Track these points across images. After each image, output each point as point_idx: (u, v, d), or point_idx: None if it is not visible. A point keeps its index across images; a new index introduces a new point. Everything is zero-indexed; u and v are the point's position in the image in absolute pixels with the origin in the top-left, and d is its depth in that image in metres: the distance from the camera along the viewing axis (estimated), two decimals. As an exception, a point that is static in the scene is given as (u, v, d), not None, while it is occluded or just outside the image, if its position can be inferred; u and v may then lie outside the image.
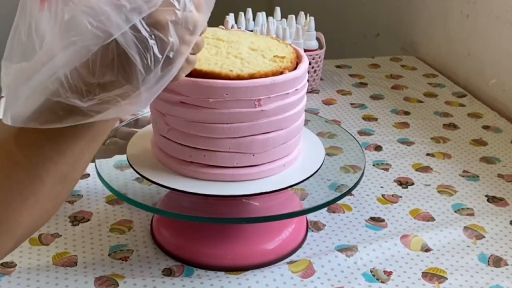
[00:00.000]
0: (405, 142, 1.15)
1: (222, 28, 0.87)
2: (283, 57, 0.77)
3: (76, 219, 0.90)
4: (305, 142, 0.85)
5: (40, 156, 0.55)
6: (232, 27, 1.34)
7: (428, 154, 1.11)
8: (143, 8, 0.52)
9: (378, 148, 1.13)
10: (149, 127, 0.86)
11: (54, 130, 0.54)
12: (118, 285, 0.77)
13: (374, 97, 1.35)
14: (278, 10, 1.40)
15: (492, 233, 0.90)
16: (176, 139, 0.77)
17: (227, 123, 0.73)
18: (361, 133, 1.18)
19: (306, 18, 1.37)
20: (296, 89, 0.76)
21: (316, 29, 1.35)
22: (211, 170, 0.76)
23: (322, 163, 0.82)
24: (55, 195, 0.57)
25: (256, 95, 0.73)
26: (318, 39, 1.36)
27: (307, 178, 0.79)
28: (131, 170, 0.79)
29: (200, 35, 0.59)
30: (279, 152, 0.78)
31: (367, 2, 1.92)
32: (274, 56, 0.77)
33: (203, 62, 0.74)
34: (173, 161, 0.78)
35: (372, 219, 0.92)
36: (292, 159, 0.80)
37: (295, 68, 0.77)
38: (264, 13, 1.38)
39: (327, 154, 0.87)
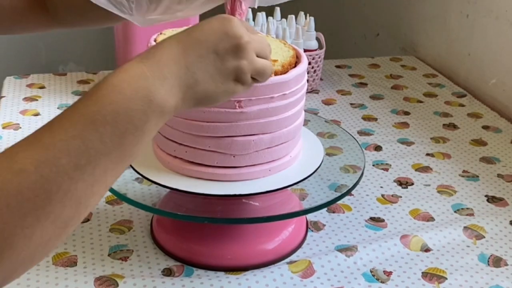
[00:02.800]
0: (405, 142, 1.15)
1: None
2: (275, 61, 0.75)
3: (76, 219, 0.90)
4: (305, 142, 0.85)
5: (52, 168, 0.48)
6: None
7: (428, 154, 1.11)
8: None
9: (378, 148, 1.13)
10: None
11: (76, 141, 0.49)
12: (118, 285, 0.77)
13: (374, 97, 1.35)
14: (278, 10, 1.40)
15: (492, 233, 0.90)
16: (163, 133, 0.78)
17: (207, 122, 0.74)
18: (361, 133, 1.18)
19: (306, 18, 1.37)
20: (284, 94, 0.75)
21: (316, 29, 1.35)
22: (192, 167, 0.77)
23: (321, 163, 0.82)
24: (64, 221, 0.49)
25: (235, 96, 0.72)
26: (318, 39, 1.36)
27: (306, 178, 0.79)
28: (131, 170, 0.80)
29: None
30: (263, 156, 0.77)
31: (367, 2, 1.92)
32: None
33: None
34: (162, 154, 0.79)
35: (372, 219, 0.92)
36: (280, 165, 0.79)
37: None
38: (264, 13, 1.38)
39: (327, 154, 0.87)
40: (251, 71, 0.61)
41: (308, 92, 1.31)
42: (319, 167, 0.81)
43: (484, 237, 0.89)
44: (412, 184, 1.01)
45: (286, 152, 0.79)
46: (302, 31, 1.32)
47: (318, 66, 1.35)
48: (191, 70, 0.57)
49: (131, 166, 0.80)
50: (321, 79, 1.41)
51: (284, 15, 1.39)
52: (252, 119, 0.74)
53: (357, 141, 0.91)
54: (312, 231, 0.89)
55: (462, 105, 1.31)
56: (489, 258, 0.84)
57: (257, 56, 0.62)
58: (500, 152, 1.12)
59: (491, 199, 0.98)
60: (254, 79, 0.63)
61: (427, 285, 0.79)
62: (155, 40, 0.79)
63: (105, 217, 0.91)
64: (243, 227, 0.84)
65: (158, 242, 0.85)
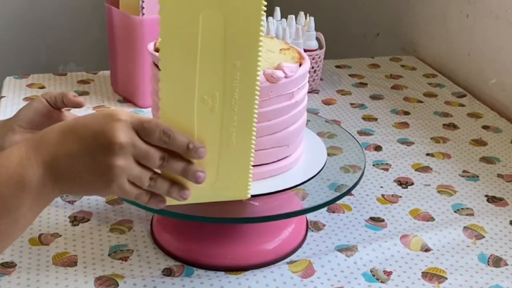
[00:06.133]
0: (405, 142, 1.15)
1: None
2: (288, 49, 0.80)
3: (76, 219, 0.90)
4: (307, 142, 0.85)
5: None
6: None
7: (428, 154, 1.11)
8: None
9: (378, 148, 1.13)
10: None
11: None
12: (118, 285, 0.77)
13: (374, 97, 1.35)
14: (278, 10, 1.40)
15: (492, 233, 0.90)
16: None
17: (269, 120, 0.76)
18: (361, 133, 1.18)
19: (306, 18, 1.37)
20: (308, 76, 0.82)
21: (316, 29, 1.35)
22: (256, 170, 0.76)
23: (324, 165, 0.82)
24: None
25: (292, 88, 0.76)
26: (318, 39, 1.36)
27: (308, 180, 0.79)
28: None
29: None
30: (301, 138, 0.82)
31: (367, 2, 1.92)
32: (280, 50, 0.80)
33: None
34: None
35: (372, 219, 0.92)
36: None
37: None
38: (264, 13, 1.38)
39: (327, 154, 0.87)
40: (126, 175, 0.60)
41: (308, 92, 1.31)
42: (321, 169, 0.81)
43: (484, 237, 0.89)
44: (412, 184, 1.01)
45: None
46: (302, 31, 1.32)
47: (318, 66, 1.35)
48: (61, 165, 0.60)
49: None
50: (321, 79, 1.41)
51: (284, 15, 1.39)
52: (300, 105, 0.79)
53: (357, 141, 0.91)
54: (312, 231, 0.89)
55: (462, 105, 1.31)
56: (489, 258, 0.84)
57: (138, 163, 0.61)
58: (500, 152, 1.12)
59: (491, 199, 0.98)
60: (134, 184, 0.62)
61: (427, 285, 0.79)
62: (154, 45, 0.79)
63: (105, 217, 0.91)
64: (243, 227, 0.84)
65: (158, 242, 0.85)
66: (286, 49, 0.81)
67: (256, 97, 0.66)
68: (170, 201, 0.66)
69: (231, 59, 0.63)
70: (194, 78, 0.63)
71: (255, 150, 0.74)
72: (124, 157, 0.59)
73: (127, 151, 0.59)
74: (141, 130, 0.60)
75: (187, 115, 0.64)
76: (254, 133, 0.67)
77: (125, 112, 0.61)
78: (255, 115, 0.66)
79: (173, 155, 0.62)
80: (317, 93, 1.36)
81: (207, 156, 0.64)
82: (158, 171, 0.63)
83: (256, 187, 0.76)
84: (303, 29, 1.33)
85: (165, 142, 0.61)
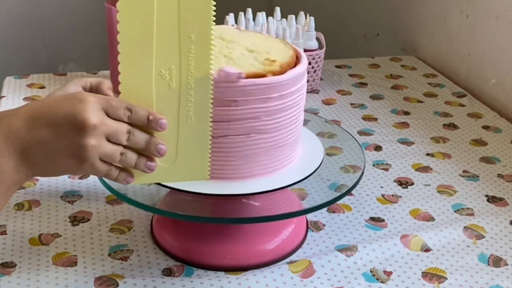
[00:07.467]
0: (405, 142, 1.15)
1: (239, 29, 0.86)
2: (273, 61, 0.76)
3: (76, 219, 0.90)
4: (305, 142, 0.85)
5: None
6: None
7: (428, 154, 1.11)
8: None
9: (378, 148, 1.13)
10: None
11: None
12: (118, 285, 0.77)
13: (374, 97, 1.35)
14: (278, 10, 1.40)
15: (492, 233, 0.90)
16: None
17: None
18: (361, 133, 1.18)
19: (306, 18, 1.37)
20: (281, 95, 0.75)
21: (316, 29, 1.35)
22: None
23: (321, 163, 0.82)
24: None
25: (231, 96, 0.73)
26: (318, 39, 1.36)
27: (306, 178, 0.79)
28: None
29: None
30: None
31: (367, 2, 1.92)
32: (265, 59, 0.76)
33: None
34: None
35: (372, 219, 0.92)
36: (281, 165, 0.82)
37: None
38: (264, 13, 1.38)
39: (327, 154, 0.87)
40: (98, 153, 0.63)
41: (308, 92, 1.31)
42: (319, 166, 0.81)
43: (484, 237, 0.89)
44: (412, 184, 1.01)
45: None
46: (302, 31, 1.32)
47: (318, 66, 1.35)
48: (35, 152, 0.61)
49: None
50: (321, 79, 1.41)
51: (284, 15, 1.39)
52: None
53: (357, 141, 0.91)
54: (312, 231, 0.89)
55: (462, 105, 1.31)
56: (489, 258, 0.84)
57: (108, 141, 0.64)
58: (500, 152, 1.12)
59: (491, 199, 0.98)
60: (107, 162, 0.65)
61: (427, 285, 0.79)
62: None
63: (105, 217, 0.91)
64: (243, 227, 0.84)
65: (158, 242, 0.85)
66: (271, 61, 0.76)
67: (211, 71, 0.69)
68: (137, 179, 0.70)
69: (185, 32, 0.67)
70: (151, 52, 0.67)
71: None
72: (97, 137, 0.62)
73: (100, 131, 0.62)
74: (108, 108, 0.64)
75: (146, 91, 0.68)
76: (211, 110, 0.70)
77: (90, 93, 0.64)
78: (211, 91, 0.69)
79: (137, 129, 0.67)
80: (317, 93, 1.36)
81: (167, 133, 0.68)
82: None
83: (254, 186, 0.76)
84: (303, 29, 1.33)
85: (129, 117, 0.65)
